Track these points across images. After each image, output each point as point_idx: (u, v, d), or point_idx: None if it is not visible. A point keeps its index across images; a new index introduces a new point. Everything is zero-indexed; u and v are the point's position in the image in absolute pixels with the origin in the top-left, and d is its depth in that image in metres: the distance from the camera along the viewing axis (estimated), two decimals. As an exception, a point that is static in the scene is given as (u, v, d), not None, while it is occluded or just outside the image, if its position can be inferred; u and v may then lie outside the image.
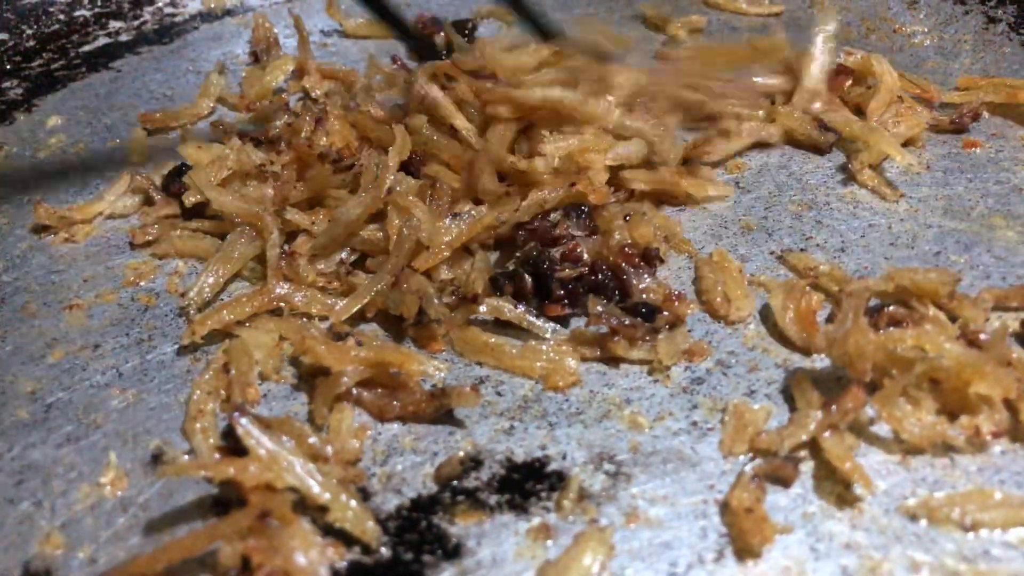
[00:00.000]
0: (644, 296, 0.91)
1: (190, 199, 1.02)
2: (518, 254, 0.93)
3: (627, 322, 0.86)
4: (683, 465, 0.77)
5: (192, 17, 1.51)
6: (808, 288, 0.91)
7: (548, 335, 0.89)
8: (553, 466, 0.78)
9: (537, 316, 0.89)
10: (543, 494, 0.76)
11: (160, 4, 1.52)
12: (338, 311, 0.90)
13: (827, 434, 0.76)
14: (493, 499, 0.76)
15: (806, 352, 0.87)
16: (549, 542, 0.72)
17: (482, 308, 0.89)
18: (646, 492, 0.75)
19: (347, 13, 1.43)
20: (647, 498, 0.75)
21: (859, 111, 1.15)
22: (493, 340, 0.88)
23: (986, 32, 1.32)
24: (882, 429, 0.79)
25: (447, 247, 0.94)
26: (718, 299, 0.91)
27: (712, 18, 1.44)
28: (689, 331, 0.89)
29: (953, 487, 0.74)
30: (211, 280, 0.95)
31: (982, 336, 0.82)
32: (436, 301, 0.90)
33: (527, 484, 0.77)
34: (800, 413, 0.78)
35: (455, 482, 0.77)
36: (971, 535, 0.71)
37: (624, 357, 0.86)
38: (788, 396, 0.82)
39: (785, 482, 0.75)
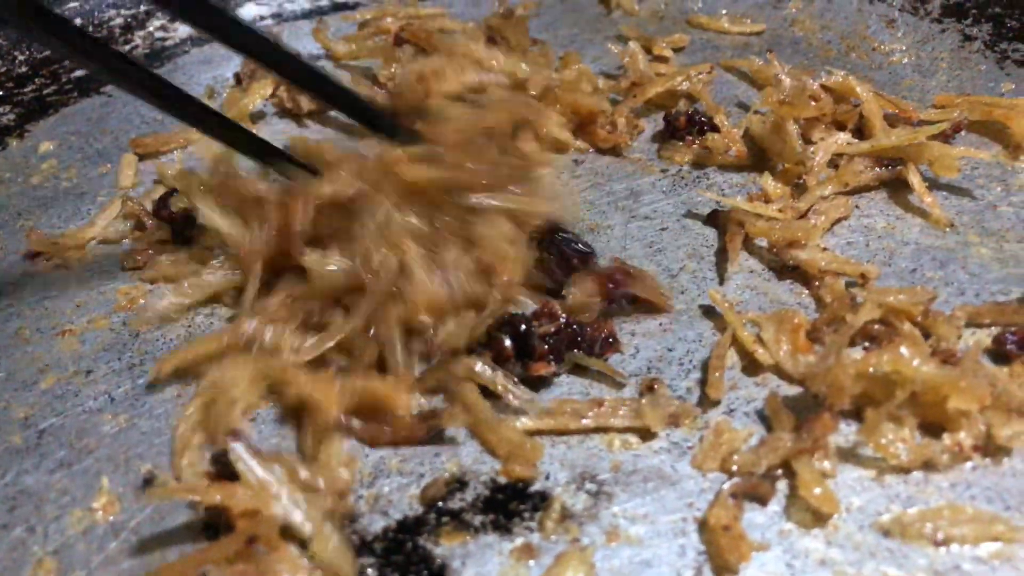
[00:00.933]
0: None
1: (178, 204, 1.03)
2: (490, 320, 0.89)
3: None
4: (663, 484, 0.79)
5: (183, 41, 1.52)
6: (795, 317, 0.90)
7: (523, 405, 0.84)
8: (536, 486, 0.79)
9: (516, 384, 0.85)
10: (526, 514, 0.77)
11: (151, 28, 1.54)
12: (304, 351, 0.88)
13: (799, 458, 0.77)
14: (477, 520, 0.77)
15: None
16: (532, 562, 0.73)
17: (475, 367, 0.85)
18: (627, 511, 0.77)
19: (334, 38, 1.45)
20: (628, 516, 0.76)
21: (841, 127, 1.17)
22: (475, 399, 0.84)
23: (962, 50, 1.34)
24: (858, 446, 0.80)
25: (425, 305, 0.89)
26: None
27: (694, 37, 1.46)
28: (670, 389, 0.87)
29: (926, 503, 0.76)
30: (169, 301, 0.97)
31: (956, 352, 0.84)
32: (400, 352, 0.87)
33: (511, 504, 0.78)
34: (773, 436, 0.80)
35: (440, 503, 0.78)
36: (943, 550, 0.72)
37: (611, 427, 0.83)
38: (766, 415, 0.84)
39: (762, 500, 0.76)
